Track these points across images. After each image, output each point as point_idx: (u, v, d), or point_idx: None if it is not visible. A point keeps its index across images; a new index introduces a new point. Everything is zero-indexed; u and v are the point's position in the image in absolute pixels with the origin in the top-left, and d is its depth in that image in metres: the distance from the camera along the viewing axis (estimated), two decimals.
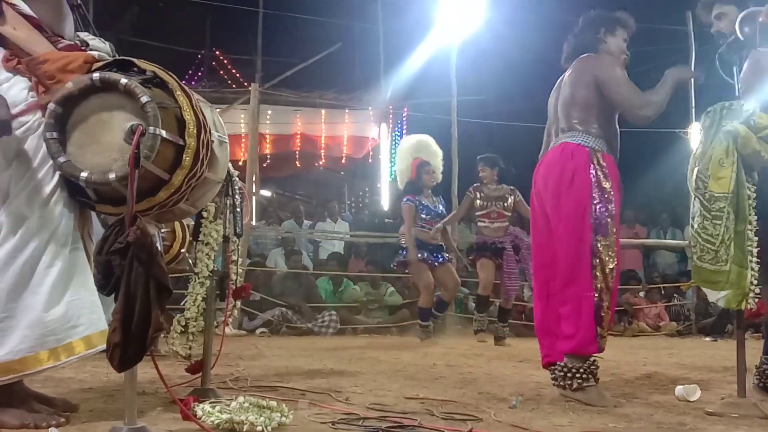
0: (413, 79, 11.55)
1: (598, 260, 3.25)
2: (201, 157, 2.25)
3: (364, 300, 8.57)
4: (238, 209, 3.10)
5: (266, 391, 3.19)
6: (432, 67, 10.83)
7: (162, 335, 2.27)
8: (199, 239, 3.07)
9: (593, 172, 3.32)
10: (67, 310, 2.22)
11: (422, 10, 10.29)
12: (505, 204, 6.99)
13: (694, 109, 9.27)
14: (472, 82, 11.12)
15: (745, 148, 2.92)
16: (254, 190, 9.09)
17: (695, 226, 3.05)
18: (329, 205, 10.99)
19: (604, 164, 3.34)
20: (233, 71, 14.68)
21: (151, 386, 3.15)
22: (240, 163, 9.52)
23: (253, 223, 9.12)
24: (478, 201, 7.06)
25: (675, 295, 9.82)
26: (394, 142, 12.47)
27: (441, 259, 7.15)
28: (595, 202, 3.29)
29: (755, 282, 2.91)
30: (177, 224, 4.35)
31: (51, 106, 2.20)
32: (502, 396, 3.34)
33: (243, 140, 10.95)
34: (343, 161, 13.28)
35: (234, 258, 3.20)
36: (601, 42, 3.57)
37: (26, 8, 2.38)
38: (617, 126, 3.51)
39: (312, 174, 13.95)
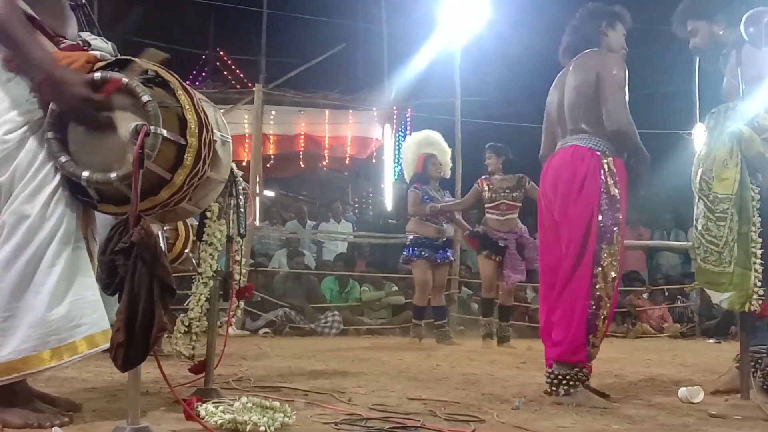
0: (417, 79, 11.57)
1: (600, 268, 3.21)
2: (203, 156, 2.25)
3: (372, 297, 8.56)
4: (242, 209, 3.10)
5: (269, 392, 3.19)
6: (436, 68, 10.85)
7: (165, 335, 2.26)
8: (203, 239, 3.07)
9: (603, 178, 3.28)
10: (70, 309, 2.22)
11: (426, 11, 10.30)
12: (515, 194, 6.79)
13: (698, 111, 9.25)
14: (476, 83, 11.14)
15: (749, 149, 2.91)
16: (258, 191, 9.10)
17: (699, 227, 3.05)
18: (333, 205, 11.01)
19: (614, 169, 3.30)
20: (237, 72, 14.72)
21: (155, 386, 3.15)
22: (244, 164, 9.54)
23: (257, 223, 9.13)
24: (486, 193, 6.90)
25: (678, 296, 9.82)
26: (397, 143, 12.48)
27: (443, 258, 7.10)
28: (602, 209, 3.25)
29: (759, 284, 2.90)
30: (180, 224, 4.37)
31: (52, 105, 2.21)
32: (505, 397, 3.34)
33: (247, 140, 10.98)
34: (347, 162, 13.29)
35: (237, 258, 3.20)
36: (603, 35, 3.54)
37: (28, 9, 2.38)
38: None
39: (315, 174, 13.96)
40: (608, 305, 3.23)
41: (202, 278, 3.07)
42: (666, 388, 3.82)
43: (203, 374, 3.05)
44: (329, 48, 12.17)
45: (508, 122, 11.57)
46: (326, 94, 12.00)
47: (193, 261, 3.26)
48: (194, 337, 3.10)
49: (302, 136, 12.73)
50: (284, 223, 10.29)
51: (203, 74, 14.88)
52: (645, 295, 9.69)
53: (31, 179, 2.24)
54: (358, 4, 13.11)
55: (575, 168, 3.33)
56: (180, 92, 2.25)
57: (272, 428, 2.31)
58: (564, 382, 3.20)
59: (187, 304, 3.12)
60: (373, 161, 13.37)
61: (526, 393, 3.44)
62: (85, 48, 2.48)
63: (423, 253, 7.00)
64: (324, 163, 13.21)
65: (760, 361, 3.44)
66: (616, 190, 3.28)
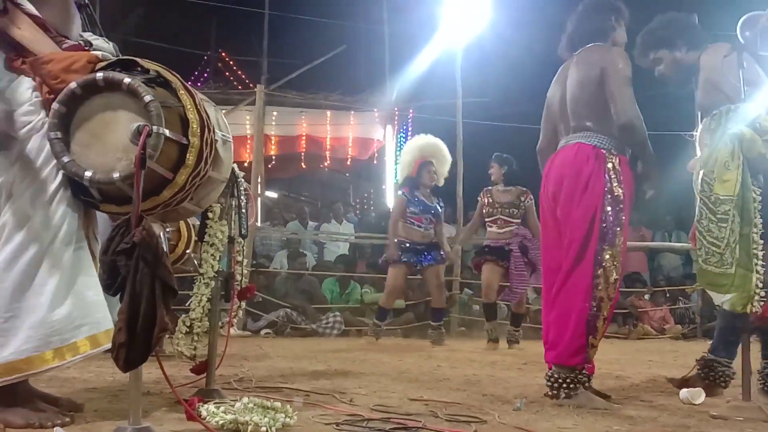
0: (418, 80, 11.55)
1: (601, 270, 3.18)
2: (205, 156, 2.26)
3: (374, 299, 8.57)
4: (244, 210, 3.11)
5: (270, 392, 3.19)
6: (437, 69, 10.84)
7: (167, 336, 2.27)
8: (205, 240, 3.07)
9: (607, 177, 3.24)
10: (72, 309, 2.22)
11: (428, 12, 10.30)
12: (512, 210, 6.84)
13: (699, 113, 9.24)
14: (478, 84, 11.14)
15: (750, 151, 2.92)
16: (259, 192, 9.11)
17: (701, 228, 3.04)
18: (334, 206, 11.01)
19: (619, 169, 3.27)
20: (239, 72, 14.72)
21: (156, 386, 3.15)
22: (245, 165, 9.54)
23: (258, 224, 9.14)
24: (486, 208, 6.97)
25: (680, 297, 9.81)
26: (399, 144, 12.48)
27: (429, 261, 7.11)
28: (606, 209, 3.22)
29: (760, 285, 2.90)
30: (182, 225, 4.37)
31: (55, 105, 2.21)
32: (507, 398, 3.34)
33: (248, 141, 10.98)
34: (349, 163, 13.28)
35: (239, 259, 3.20)
36: (611, 29, 3.51)
37: (31, 8, 2.39)
38: None
39: (317, 175, 13.96)
40: (608, 306, 3.21)
41: (203, 279, 3.07)
42: (667, 389, 3.81)
43: (205, 375, 3.05)
44: (331, 49, 12.17)
45: (510, 123, 11.56)
46: (328, 95, 12.00)
47: (195, 261, 3.27)
48: (196, 338, 3.11)
49: (304, 137, 12.72)
50: (286, 223, 10.29)
51: (205, 75, 14.88)
52: (646, 297, 9.68)
53: (33, 179, 2.24)
54: (360, 6, 13.10)
55: (580, 167, 3.29)
56: (182, 92, 2.25)
57: (273, 429, 2.31)
58: (564, 385, 3.18)
59: (189, 305, 3.12)
60: (375, 162, 13.35)
61: (528, 394, 3.44)
62: (86, 48, 2.48)
63: (404, 258, 7.03)
64: (325, 164, 13.20)
65: (720, 371, 3.46)
66: (620, 190, 3.25)
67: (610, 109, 3.31)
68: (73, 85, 2.20)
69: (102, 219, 2.51)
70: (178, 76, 2.31)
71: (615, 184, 3.25)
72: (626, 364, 5.15)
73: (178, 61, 11.93)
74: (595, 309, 3.18)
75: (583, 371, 3.21)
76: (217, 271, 3.09)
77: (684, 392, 3.37)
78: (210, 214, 3.04)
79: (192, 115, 2.23)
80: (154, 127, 2.09)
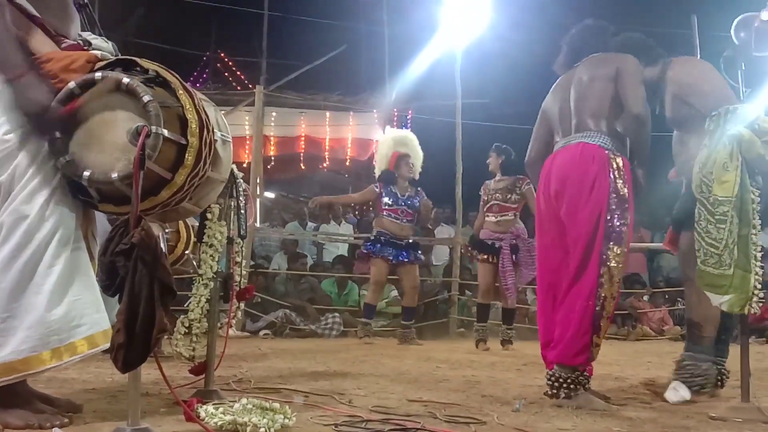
0: (418, 81, 11.55)
1: (606, 269, 3.18)
2: (204, 156, 2.26)
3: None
4: (242, 211, 3.11)
5: (269, 393, 3.19)
6: (436, 70, 10.84)
7: (166, 336, 2.27)
8: (204, 241, 3.07)
9: (612, 177, 3.25)
10: (70, 309, 2.22)
11: (427, 12, 10.29)
12: (508, 196, 6.75)
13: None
14: (477, 84, 11.14)
15: (749, 152, 2.92)
16: (258, 192, 9.10)
17: (699, 229, 3.04)
18: (333, 207, 10.98)
19: (623, 169, 3.28)
20: (238, 73, 14.74)
21: (155, 387, 3.15)
22: (244, 165, 9.53)
23: (257, 224, 9.13)
24: (483, 196, 6.94)
25: (679, 299, 9.78)
26: None
27: (404, 258, 7.12)
28: (611, 208, 3.21)
29: (759, 286, 2.90)
30: (181, 225, 4.37)
31: (54, 105, 2.21)
32: (506, 399, 3.34)
33: (247, 142, 10.98)
34: (348, 163, 13.30)
35: (238, 260, 3.20)
36: (610, 46, 3.57)
37: (30, 8, 2.39)
38: None
39: (316, 176, 13.96)
40: (612, 305, 3.21)
41: (202, 279, 3.07)
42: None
43: (203, 376, 3.05)
44: (330, 50, 12.18)
45: (509, 124, 11.56)
46: (327, 95, 12.00)
47: (194, 262, 3.27)
48: (194, 339, 3.11)
49: (303, 138, 12.74)
50: (285, 224, 10.28)
51: (204, 76, 14.89)
52: (645, 298, 9.67)
53: (30, 179, 2.24)
54: (359, 6, 13.12)
55: (585, 168, 3.29)
56: (181, 92, 2.26)
57: (272, 430, 2.31)
58: (565, 385, 3.18)
59: (188, 306, 3.12)
60: (374, 163, 13.35)
61: (527, 395, 3.44)
62: (85, 47, 2.48)
63: (383, 251, 7.06)
64: (325, 165, 13.21)
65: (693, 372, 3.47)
66: (625, 190, 3.26)
67: (616, 110, 3.36)
68: (71, 84, 2.20)
69: (101, 219, 2.51)
70: (177, 75, 2.31)
71: (620, 184, 3.25)
72: (625, 365, 5.15)
73: (178, 61, 11.94)
74: (599, 308, 3.18)
75: (584, 372, 3.21)
76: (215, 271, 3.09)
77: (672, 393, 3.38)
78: (209, 215, 3.04)
79: (191, 115, 2.23)
80: (153, 128, 2.09)
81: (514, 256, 6.65)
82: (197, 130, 2.23)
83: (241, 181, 3.11)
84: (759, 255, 2.91)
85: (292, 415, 2.46)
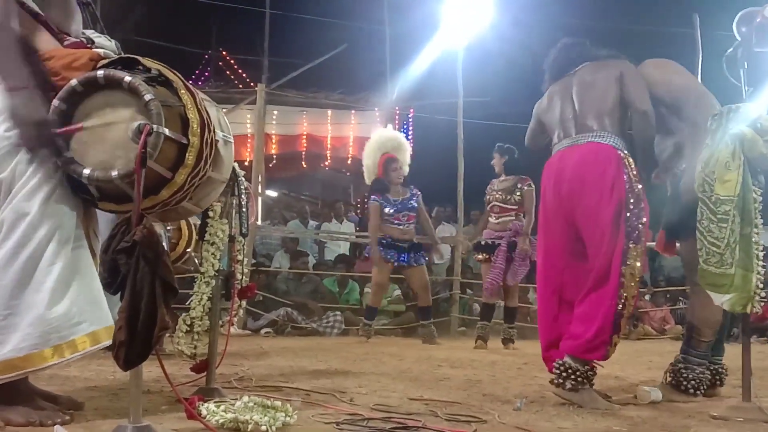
0: (419, 80, 11.54)
1: (627, 267, 3.17)
2: (204, 155, 2.26)
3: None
4: (244, 209, 3.11)
5: (271, 391, 3.19)
6: (438, 69, 10.83)
7: (167, 334, 2.27)
8: (205, 239, 3.07)
9: (627, 176, 3.25)
10: (71, 307, 2.22)
11: (429, 11, 10.29)
12: (508, 197, 6.76)
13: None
14: (479, 83, 11.12)
15: (751, 151, 2.91)
16: (260, 191, 9.11)
17: (701, 228, 3.04)
18: (335, 205, 10.99)
19: (635, 169, 3.29)
20: (239, 71, 14.73)
21: (156, 385, 3.16)
22: (246, 164, 9.55)
23: (259, 223, 9.13)
24: (486, 197, 6.98)
25: (680, 298, 9.80)
26: None
27: (404, 261, 7.14)
28: (630, 207, 3.21)
29: (761, 285, 2.90)
30: (183, 223, 4.38)
31: (55, 102, 2.21)
32: (507, 398, 3.34)
33: (249, 140, 10.99)
34: (349, 162, 13.28)
35: (239, 258, 3.20)
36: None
37: (33, 5, 2.39)
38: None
39: (318, 174, 13.97)
40: (632, 305, 3.21)
41: (204, 277, 3.08)
42: None
43: (205, 373, 3.05)
44: (332, 48, 12.18)
45: (511, 123, 11.55)
46: (328, 94, 12.00)
47: (196, 260, 3.27)
48: (196, 337, 3.11)
49: (304, 136, 12.74)
50: (286, 222, 10.29)
51: (206, 74, 14.89)
52: (647, 297, 9.68)
53: (31, 176, 2.24)
54: (361, 5, 13.10)
55: (604, 168, 3.27)
56: (183, 91, 2.25)
57: (274, 428, 2.31)
58: (573, 376, 3.17)
59: (189, 304, 3.13)
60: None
61: (528, 394, 3.44)
62: (88, 45, 2.48)
63: (385, 254, 7.08)
64: (326, 163, 13.21)
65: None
66: (639, 188, 3.26)
67: (621, 111, 3.38)
68: (73, 82, 2.20)
69: (102, 217, 2.51)
70: (179, 75, 2.31)
71: (635, 182, 3.26)
72: (626, 364, 5.15)
73: (179, 59, 11.95)
74: (621, 307, 3.17)
75: (594, 368, 3.22)
76: (217, 269, 3.10)
77: (644, 391, 3.38)
78: (211, 213, 3.04)
79: (192, 115, 2.23)
80: (154, 126, 2.09)
81: (510, 254, 6.65)
82: (198, 130, 2.23)
83: (243, 179, 3.11)
84: (761, 254, 2.91)
85: (294, 413, 2.47)
